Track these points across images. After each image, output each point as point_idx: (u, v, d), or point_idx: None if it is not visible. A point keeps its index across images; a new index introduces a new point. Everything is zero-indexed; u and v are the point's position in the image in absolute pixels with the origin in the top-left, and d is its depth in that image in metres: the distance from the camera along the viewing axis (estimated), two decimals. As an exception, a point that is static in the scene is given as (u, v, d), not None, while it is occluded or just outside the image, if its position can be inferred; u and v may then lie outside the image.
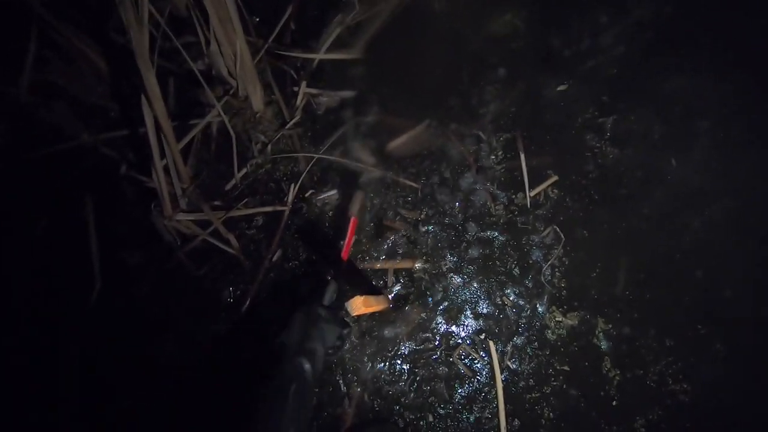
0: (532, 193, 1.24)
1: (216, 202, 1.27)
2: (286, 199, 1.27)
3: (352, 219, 1.12)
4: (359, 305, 0.97)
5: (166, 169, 1.18)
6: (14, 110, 1.34)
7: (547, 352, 1.18)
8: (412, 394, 1.16)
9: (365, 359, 1.19)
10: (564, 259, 1.21)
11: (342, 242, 1.10)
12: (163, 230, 1.25)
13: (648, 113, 1.27)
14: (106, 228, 1.29)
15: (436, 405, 1.16)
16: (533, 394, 1.16)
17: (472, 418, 1.16)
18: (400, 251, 1.24)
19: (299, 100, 1.30)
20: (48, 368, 1.17)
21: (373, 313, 1.19)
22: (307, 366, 0.90)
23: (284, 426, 0.81)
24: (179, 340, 1.24)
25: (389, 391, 1.17)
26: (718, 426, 1.10)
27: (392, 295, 1.21)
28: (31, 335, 1.22)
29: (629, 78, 1.29)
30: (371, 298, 1.02)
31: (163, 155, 1.17)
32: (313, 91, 1.31)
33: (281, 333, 0.96)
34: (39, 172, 1.32)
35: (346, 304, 0.96)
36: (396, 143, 1.29)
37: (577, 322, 1.18)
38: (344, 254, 1.10)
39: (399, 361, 1.18)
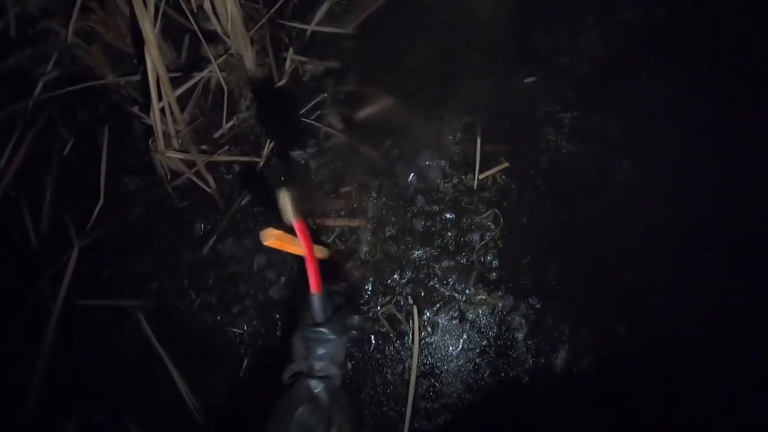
0: (481, 176, 1.29)
1: (203, 147, 1.45)
2: (262, 152, 1.43)
3: (297, 224, 0.94)
4: (272, 236, 0.91)
5: (163, 111, 1.38)
6: (62, 49, 1.60)
7: (467, 327, 1.24)
8: (335, 340, 1.27)
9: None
10: (499, 242, 1.26)
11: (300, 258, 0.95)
12: (157, 164, 1.45)
13: (611, 115, 1.27)
14: (116, 156, 1.51)
15: (356, 355, 1.26)
16: (448, 364, 1.23)
17: (389, 375, 1.26)
18: (351, 212, 1.34)
19: (287, 66, 1.44)
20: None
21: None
22: (318, 389, 0.85)
23: None
24: (158, 259, 1.44)
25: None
26: (612, 425, 1.11)
27: (335, 249, 1.33)
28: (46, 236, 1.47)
29: (599, 78, 1.30)
30: (294, 239, 1.06)
31: (161, 99, 1.36)
32: (302, 58, 1.44)
33: (288, 365, 0.91)
34: (73, 102, 1.58)
35: (260, 232, 0.91)
36: (365, 114, 1.39)
37: (500, 303, 1.23)
38: (314, 282, 0.93)
39: (330, 309, 1.29)
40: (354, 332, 0.95)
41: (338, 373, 0.89)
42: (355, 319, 0.95)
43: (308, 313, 0.93)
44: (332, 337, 0.89)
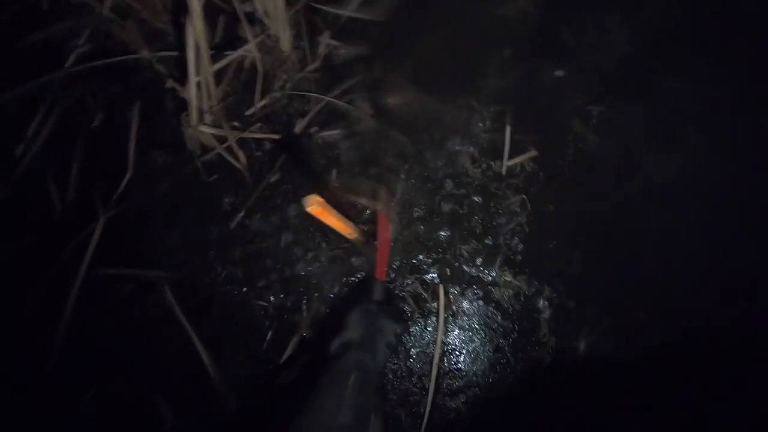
0: (510, 163, 1.33)
1: (235, 123, 1.48)
2: (293, 131, 1.46)
3: (387, 217, 1.13)
4: (315, 203, 0.95)
5: (199, 85, 1.40)
6: (97, 23, 1.63)
7: (491, 307, 1.27)
8: (361, 316, 1.29)
9: (329, 278, 1.34)
10: (526, 227, 1.29)
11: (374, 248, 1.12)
12: (188, 139, 1.47)
13: (636, 110, 1.32)
14: (146, 130, 1.53)
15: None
16: (470, 342, 1.26)
17: (412, 352, 1.28)
18: (380, 194, 1.37)
19: (321, 49, 1.47)
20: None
21: (346, 240, 1.33)
22: (369, 361, 0.91)
23: (343, 412, 0.79)
24: (185, 232, 1.45)
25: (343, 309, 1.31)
26: (632, 409, 1.14)
27: (364, 228, 1.35)
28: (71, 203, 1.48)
29: (626, 74, 1.35)
30: (335, 212, 1.10)
31: (199, 74, 1.39)
32: (335, 43, 1.48)
33: (341, 333, 0.99)
34: (105, 76, 1.60)
35: (304, 198, 0.94)
36: (397, 100, 1.43)
37: (525, 285, 1.26)
38: (382, 269, 1.09)
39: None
40: (393, 338, 1.01)
41: (383, 354, 0.96)
42: (398, 327, 1.02)
43: (368, 294, 1.06)
44: (387, 317, 1.00)
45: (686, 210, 1.24)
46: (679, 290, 1.20)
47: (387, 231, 1.10)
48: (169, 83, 1.50)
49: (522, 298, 1.26)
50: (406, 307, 1.29)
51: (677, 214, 1.25)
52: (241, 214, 1.42)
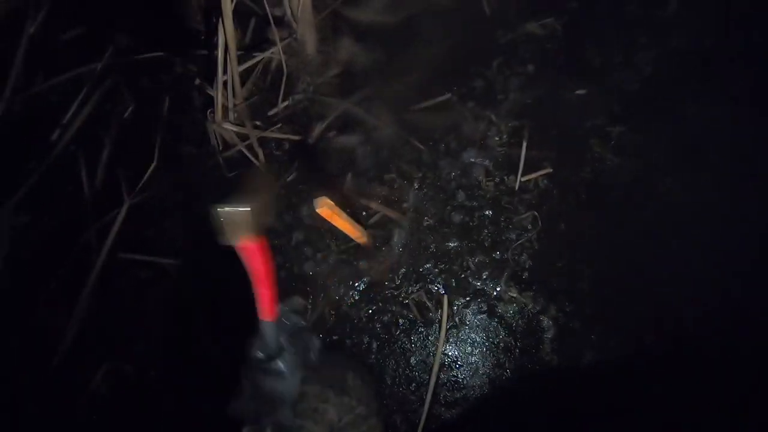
0: (524, 178, 1.33)
1: (257, 122, 1.53)
2: (312, 133, 1.49)
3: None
4: (325, 206, 0.94)
5: (225, 84, 1.45)
6: (136, 19, 1.71)
7: (495, 322, 1.26)
8: (364, 320, 1.31)
9: (335, 281, 1.36)
10: (535, 243, 1.29)
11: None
12: (212, 134, 1.52)
13: (656, 133, 1.30)
14: (173, 124, 1.59)
15: (383, 336, 1.29)
16: (471, 356, 1.25)
17: (412, 360, 1.28)
18: (392, 199, 1.39)
19: (343, 55, 1.51)
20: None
21: (353, 244, 1.35)
22: None
23: None
24: (202, 224, 1.49)
25: (347, 312, 1.33)
26: (631, 411, 1.12)
27: (374, 233, 1.37)
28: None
29: (648, 97, 1.34)
30: (344, 215, 1.12)
31: (226, 73, 1.44)
32: (357, 49, 1.52)
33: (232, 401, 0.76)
34: (139, 70, 1.67)
35: (315, 199, 0.92)
36: (416, 109, 1.45)
37: (530, 302, 1.25)
38: (266, 307, 0.77)
39: (362, 289, 1.33)
40: (313, 358, 0.78)
41: (291, 418, 0.73)
42: (316, 344, 0.79)
43: (258, 343, 0.77)
44: (284, 372, 0.73)
45: (701, 236, 1.21)
46: (688, 315, 1.17)
47: (264, 257, 0.70)
48: (198, 80, 1.56)
49: (526, 315, 1.25)
50: (410, 315, 1.29)
51: (692, 240, 1.21)
52: (256, 210, 1.45)
